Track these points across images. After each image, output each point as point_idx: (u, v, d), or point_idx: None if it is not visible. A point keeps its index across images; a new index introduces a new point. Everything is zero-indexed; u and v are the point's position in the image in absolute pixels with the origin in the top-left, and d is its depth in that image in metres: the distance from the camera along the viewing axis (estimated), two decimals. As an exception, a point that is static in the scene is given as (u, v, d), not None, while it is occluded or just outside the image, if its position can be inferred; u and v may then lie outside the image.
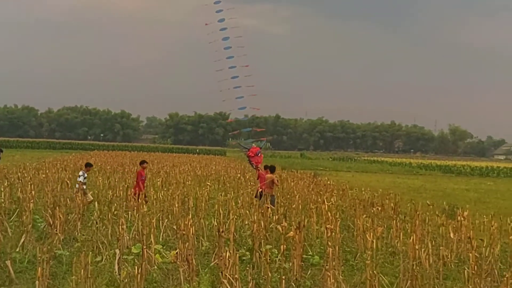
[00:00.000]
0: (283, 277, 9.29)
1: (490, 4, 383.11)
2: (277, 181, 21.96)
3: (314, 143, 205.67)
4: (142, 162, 22.51)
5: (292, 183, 30.03)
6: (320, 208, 18.21)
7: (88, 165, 21.81)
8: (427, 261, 11.23)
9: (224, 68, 29.63)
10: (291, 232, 11.80)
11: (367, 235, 12.00)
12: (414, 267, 10.53)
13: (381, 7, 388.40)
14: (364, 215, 17.08)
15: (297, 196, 21.54)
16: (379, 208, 19.56)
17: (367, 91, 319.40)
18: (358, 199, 22.66)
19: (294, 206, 19.13)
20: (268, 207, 17.11)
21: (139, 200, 17.98)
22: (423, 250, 11.37)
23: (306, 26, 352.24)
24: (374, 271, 10.22)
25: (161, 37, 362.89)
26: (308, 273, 11.91)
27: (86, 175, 20.97)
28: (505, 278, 8.83)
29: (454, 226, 15.14)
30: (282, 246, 11.46)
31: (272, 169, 22.07)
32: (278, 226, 13.28)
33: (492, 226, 13.90)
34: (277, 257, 12.09)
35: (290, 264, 11.60)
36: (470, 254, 10.15)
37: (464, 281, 9.98)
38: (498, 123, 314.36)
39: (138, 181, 21.16)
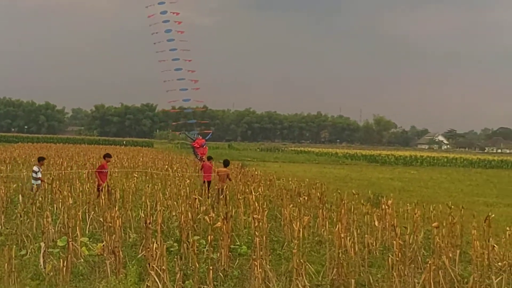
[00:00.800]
0: (211, 267, 9.31)
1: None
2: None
3: (241, 134, 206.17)
4: (107, 156, 22.20)
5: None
6: (248, 199, 18.27)
7: (41, 159, 21.56)
8: (352, 249, 11.40)
9: (167, 59, 29.62)
10: (219, 223, 11.82)
11: (294, 225, 12.10)
12: (340, 255, 10.69)
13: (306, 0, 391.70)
14: (291, 205, 17.21)
15: (224, 187, 21.55)
16: (306, 198, 19.76)
17: (294, 82, 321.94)
18: (285, 189, 22.84)
19: (221, 196, 19.13)
20: (222, 199, 17.30)
21: (101, 192, 18.16)
22: (348, 238, 11.52)
23: (234, 17, 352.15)
24: (301, 260, 10.31)
25: (86, 26, 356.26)
26: (236, 263, 11.94)
27: (41, 169, 20.78)
28: (428, 265, 9.06)
29: (379, 214, 15.41)
30: (209, 237, 11.47)
31: (226, 163, 22.56)
32: (206, 217, 13.27)
33: (415, 214, 14.20)
34: (205, 247, 12.08)
35: (218, 255, 11.61)
36: (394, 242, 10.36)
37: (389, 268, 10.17)
38: (421, 113, 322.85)
39: (99, 174, 20.90)
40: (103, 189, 19.38)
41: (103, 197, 17.50)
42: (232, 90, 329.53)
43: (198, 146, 25.57)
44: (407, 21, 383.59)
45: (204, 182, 22.74)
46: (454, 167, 79.82)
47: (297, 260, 10.06)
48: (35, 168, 20.74)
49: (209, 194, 20.97)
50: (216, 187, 21.67)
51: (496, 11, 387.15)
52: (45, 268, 10.32)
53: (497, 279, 10.06)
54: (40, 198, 17.74)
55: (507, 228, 12.93)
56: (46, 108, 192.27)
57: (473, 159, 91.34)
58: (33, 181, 20.61)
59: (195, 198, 16.57)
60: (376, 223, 14.37)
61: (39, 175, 20.54)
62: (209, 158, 24.48)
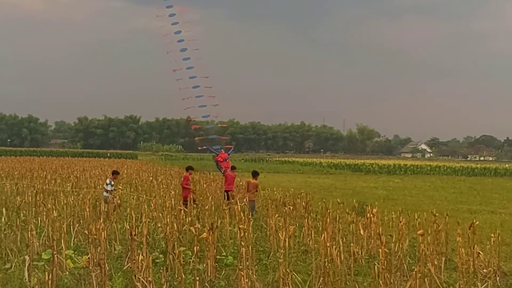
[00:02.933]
0: (197, 278, 9.29)
1: (395, 7, 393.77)
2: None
3: (226, 145, 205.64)
4: (189, 168, 22.99)
5: (204, 185, 30.02)
6: (233, 209, 18.27)
7: (115, 173, 21.84)
8: (338, 258, 11.39)
9: (183, 76, 29.89)
10: (204, 234, 11.80)
11: (279, 234, 12.10)
12: (326, 264, 10.68)
13: (292, 11, 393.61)
14: (277, 215, 17.21)
15: (210, 198, 21.55)
16: (291, 208, 19.79)
17: (277, 93, 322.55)
18: (270, 199, 22.87)
19: (207, 207, 19.12)
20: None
21: (189, 204, 18.73)
22: (334, 247, 11.52)
23: (217, 29, 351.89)
24: (287, 270, 10.34)
25: (65, 38, 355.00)
26: (222, 273, 11.95)
27: (113, 182, 20.99)
28: (413, 272, 9.09)
29: (364, 223, 15.42)
30: (195, 248, 11.44)
31: (255, 174, 22.63)
32: (191, 228, 13.24)
33: (400, 222, 14.22)
34: (190, 258, 12.06)
35: (204, 265, 11.61)
36: (380, 250, 10.37)
37: (375, 276, 10.18)
38: (404, 122, 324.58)
39: (184, 186, 21.81)
40: (189, 201, 19.97)
41: (186, 209, 17.82)
42: (216, 101, 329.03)
43: (222, 160, 26.08)
44: (390, 31, 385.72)
45: (226, 193, 23.06)
46: (437, 175, 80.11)
47: (283, 270, 10.08)
48: (108, 181, 21.11)
49: (228, 202, 21.12)
50: (247, 198, 21.74)
51: (478, 21, 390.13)
52: (30, 281, 10.26)
53: (483, 286, 10.16)
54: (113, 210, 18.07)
55: (492, 235, 12.98)
56: (29, 121, 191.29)
57: (456, 167, 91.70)
58: (105, 193, 20.82)
59: (181, 209, 16.55)
60: (362, 232, 14.40)
61: (109, 188, 20.74)
62: (233, 168, 24.96)
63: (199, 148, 38.90)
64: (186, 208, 18.40)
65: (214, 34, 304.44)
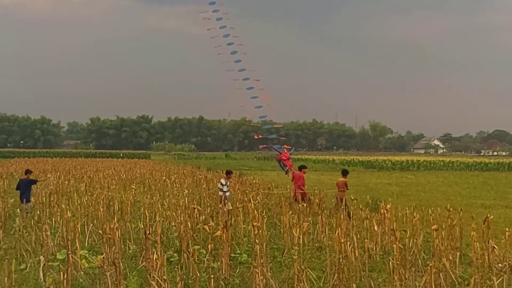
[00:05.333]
0: (212, 276, 9.30)
1: (406, 1, 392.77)
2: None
3: (238, 143, 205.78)
4: (302, 167, 24.15)
5: (218, 184, 30.03)
6: (247, 207, 18.28)
7: (229, 173, 22.51)
8: (353, 254, 11.41)
9: (236, 76, 30.25)
10: (218, 232, 11.81)
11: (293, 231, 12.11)
12: (341, 261, 10.68)
13: (303, 8, 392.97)
14: (290, 212, 17.22)
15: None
16: (305, 205, 19.76)
17: (289, 90, 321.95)
18: (283, 196, 22.86)
19: (220, 205, 19.13)
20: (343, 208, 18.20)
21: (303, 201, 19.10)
22: (348, 243, 11.52)
23: (225, 27, 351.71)
24: (302, 266, 10.33)
25: (76, 38, 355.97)
26: (237, 271, 11.96)
27: (228, 183, 21.68)
28: (428, 267, 9.06)
29: (378, 219, 15.40)
30: (209, 246, 11.46)
31: (344, 173, 23.10)
32: (205, 226, 13.26)
33: (414, 218, 14.18)
34: (205, 257, 12.08)
35: (219, 263, 11.63)
36: (394, 246, 10.36)
37: (389, 272, 10.16)
38: (416, 118, 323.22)
39: (299, 184, 22.71)
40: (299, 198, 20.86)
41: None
42: (228, 99, 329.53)
43: (286, 158, 26.47)
44: (401, 26, 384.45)
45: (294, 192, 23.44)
46: (450, 171, 79.92)
47: (298, 267, 10.08)
48: (223, 181, 21.69)
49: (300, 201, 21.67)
50: (337, 196, 22.13)
51: (489, 13, 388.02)
52: (45, 281, 10.29)
53: (498, 280, 10.07)
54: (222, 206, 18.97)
55: (506, 229, 12.92)
56: (41, 123, 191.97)
57: (469, 162, 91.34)
58: (220, 193, 21.52)
59: (194, 208, 16.56)
60: (376, 228, 14.39)
61: (225, 188, 21.38)
62: (302, 167, 25.36)
63: (260, 146, 39.31)
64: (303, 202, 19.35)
65: (222, 32, 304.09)
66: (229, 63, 30.42)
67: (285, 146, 28.84)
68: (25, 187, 20.44)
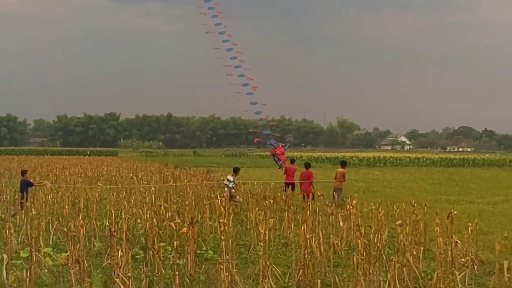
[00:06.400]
0: (177, 273, 9.28)
1: (376, 0, 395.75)
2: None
3: (207, 140, 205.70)
4: (308, 166, 24.33)
5: (185, 180, 29.96)
6: (213, 204, 18.28)
7: (236, 170, 22.99)
8: (318, 249, 11.45)
9: (232, 73, 30.41)
10: (184, 229, 11.80)
11: (259, 228, 12.14)
12: (306, 256, 10.73)
13: (275, 7, 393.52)
14: (257, 208, 17.26)
15: (190, 193, 21.54)
16: (272, 201, 19.81)
17: (258, 87, 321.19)
18: (251, 193, 22.92)
19: (187, 202, 19.10)
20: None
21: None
22: (314, 239, 11.57)
23: (197, 25, 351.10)
24: (267, 262, 10.36)
25: (45, 36, 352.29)
26: (203, 268, 11.97)
27: (235, 179, 22.29)
28: (392, 263, 9.15)
29: (344, 215, 15.52)
30: (175, 243, 11.43)
31: (343, 164, 24.83)
32: (171, 223, 13.24)
33: (379, 213, 14.29)
34: (170, 253, 12.05)
35: (184, 260, 11.62)
36: (359, 241, 10.42)
37: (354, 267, 10.22)
38: (383, 115, 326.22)
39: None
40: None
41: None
42: (196, 96, 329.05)
43: (280, 153, 26.84)
44: (370, 24, 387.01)
45: (287, 185, 24.37)
46: (416, 167, 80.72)
47: (263, 263, 10.11)
48: (230, 178, 22.01)
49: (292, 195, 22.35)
50: (334, 186, 23.24)
51: (455, 12, 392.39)
52: (8, 279, 10.19)
53: (461, 275, 10.21)
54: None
55: (469, 224, 13.11)
56: (7, 120, 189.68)
57: (435, 158, 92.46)
58: (226, 189, 21.75)
59: (161, 205, 16.51)
60: (341, 224, 14.49)
61: (231, 184, 21.83)
62: (293, 161, 26.85)
63: (255, 140, 39.87)
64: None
65: (194, 30, 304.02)
66: (223, 59, 30.43)
67: (280, 143, 29.19)
68: (23, 188, 20.07)
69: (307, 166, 24.04)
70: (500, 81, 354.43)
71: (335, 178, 23.16)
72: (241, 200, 21.66)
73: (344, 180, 23.11)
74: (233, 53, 30.41)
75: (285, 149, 28.41)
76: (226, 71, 30.52)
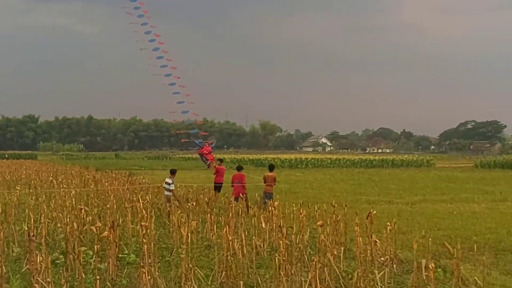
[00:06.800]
0: (98, 277, 9.18)
1: (293, 3, 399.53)
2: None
3: (128, 143, 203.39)
4: (240, 168, 24.24)
5: (106, 184, 29.59)
6: (136, 207, 18.13)
7: (173, 172, 22.44)
8: (240, 251, 11.52)
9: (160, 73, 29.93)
10: (106, 232, 11.67)
11: (182, 230, 12.12)
12: (229, 258, 10.78)
13: (194, 9, 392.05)
14: (179, 211, 17.22)
15: (111, 196, 21.30)
16: (194, 204, 19.80)
17: (179, 89, 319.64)
18: (173, 195, 22.83)
19: (108, 206, 18.88)
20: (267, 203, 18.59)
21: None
22: (237, 241, 11.64)
23: (117, 25, 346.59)
24: (190, 265, 10.37)
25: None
26: (125, 271, 11.86)
27: (173, 181, 21.71)
28: (313, 263, 9.28)
29: (266, 216, 15.63)
30: (96, 247, 11.30)
31: (271, 168, 24.19)
32: (92, 227, 13.06)
33: (301, 214, 14.46)
34: (92, 258, 11.90)
35: (106, 264, 11.49)
36: (281, 242, 10.54)
37: (276, 268, 10.33)
38: (305, 117, 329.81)
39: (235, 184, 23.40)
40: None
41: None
42: (118, 98, 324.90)
43: (207, 152, 26.51)
44: (289, 26, 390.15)
45: (216, 184, 24.64)
46: (337, 168, 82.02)
47: (186, 265, 10.11)
48: (168, 180, 21.54)
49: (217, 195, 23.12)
50: (264, 190, 22.88)
51: (374, 15, 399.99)
52: None
53: (380, 273, 10.48)
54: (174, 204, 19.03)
55: (388, 224, 13.39)
56: None
57: (355, 159, 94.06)
58: (166, 193, 21.45)
59: (81, 209, 16.26)
60: (263, 225, 14.59)
61: (172, 187, 21.33)
62: (221, 161, 26.72)
63: (182, 140, 39.90)
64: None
65: (114, 31, 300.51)
66: (151, 59, 30.18)
67: (207, 141, 29.15)
68: None
69: (239, 168, 24.05)
70: (417, 84, 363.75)
71: (265, 182, 23.03)
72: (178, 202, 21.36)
73: (274, 183, 23.15)
74: (159, 53, 30.24)
75: (212, 147, 28.40)
76: (152, 72, 30.34)
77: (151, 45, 30.41)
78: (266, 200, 21.22)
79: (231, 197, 21.48)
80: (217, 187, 24.58)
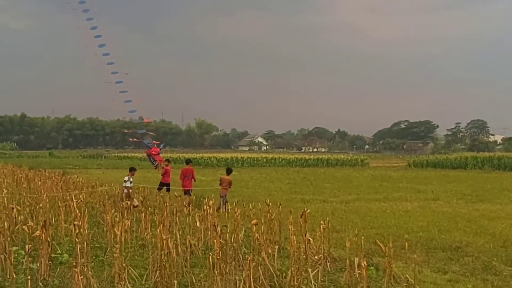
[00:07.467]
0: (29, 277, 9.06)
1: (232, 2, 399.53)
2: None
3: (63, 141, 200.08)
4: (188, 162, 26.34)
5: (39, 182, 29.09)
6: (69, 206, 17.90)
7: (132, 169, 22.72)
8: (175, 250, 11.51)
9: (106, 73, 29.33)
10: (38, 232, 11.50)
11: (115, 229, 12.04)
12: (163, 257, 10.77)
13: (133, 9, 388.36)
14: (113, 210, 17.10)
15: (44, 195, 20.98)
16: (129, 202, 19.69)
17: (114, 88, 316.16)
18: (107, 194, 22.63)
19: (41, 205, 18.58)
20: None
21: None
22: (171, 240, 11.64)
23: (51, 22, 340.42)
24: (123, 264, 10.31)
25: None
26: (57, 271, 11.70)
27: (131, 179, 21.73)
28: (248, 261, 9.36)
29: (200, 215, 15.66)
30: (27, 246, 11.13)
31: (228, 171, 23.97)
32: (24, 226, 12.85)
33: (235, 213, 14.54)
34: (23, 258, 11.71)
35: (38, 264, 11.32)
36: (216, 241, 10.58)
37: (210, 267, 10.37)
38: (241, 116, 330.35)
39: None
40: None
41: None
42: (52, 96, 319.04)
43: (155, 153, 26.26)
44: (224, 25, 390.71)
45: (162, 185, 25.48)
46: (273, 167, 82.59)
47: (120, 265, 10.05)
48: (126, 178, 21.84)
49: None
50: (220, 193, 22.93)
51: (310, 15, 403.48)
52: None
53: (314, 272, 10.64)
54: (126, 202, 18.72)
55: (322, 222, 13.56)
56: None
57: (291, 158, 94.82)
58: (125, 190, 21.63)
59: (13, 208, 15.97)
60: (198, 224, 14.61)
61: (128, 184, 21.62)
62: (168, 161, 27.80)
63: (130, 140, 39.12)
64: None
65: (48, 27, 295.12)
66: (96, 55, 29.70)
67: (155, 142, 28.93)
68: None
69: (188, 162, 24.36)
70: (352, 84, 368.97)
71: (221, 185, 23.09)
72: (138, 204, 21.09)
73: (230, 187, 23.18)
74: (106, 49, 29.88)
75: (160, 149, 28.35)
76: (92, 69, 30.22)
77: (97, 41, 29.97)
78: (221, 201, 21.52)
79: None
80: (166, 187, 25.29)
